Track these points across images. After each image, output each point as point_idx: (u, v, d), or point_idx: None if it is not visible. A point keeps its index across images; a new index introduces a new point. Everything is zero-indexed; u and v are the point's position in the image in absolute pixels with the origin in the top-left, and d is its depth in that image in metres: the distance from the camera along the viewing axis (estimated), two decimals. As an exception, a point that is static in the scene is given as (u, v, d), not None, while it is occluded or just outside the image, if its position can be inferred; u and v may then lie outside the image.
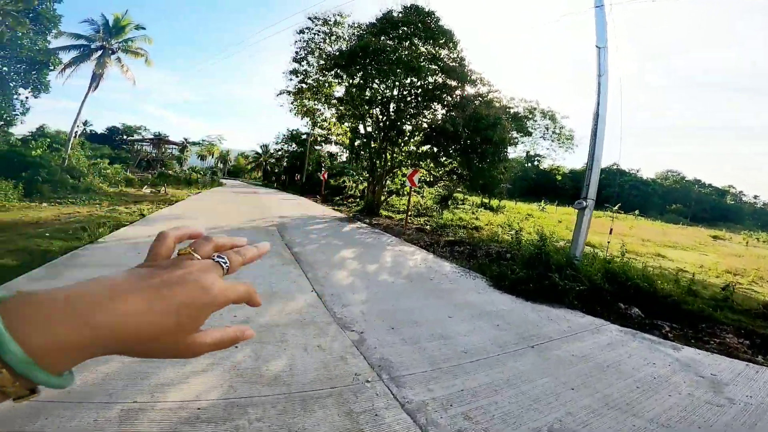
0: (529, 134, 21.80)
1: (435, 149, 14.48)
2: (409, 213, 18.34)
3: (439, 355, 3.66)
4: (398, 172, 16.92)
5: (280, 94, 20.18)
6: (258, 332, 3.67)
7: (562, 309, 5.58)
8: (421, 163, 15.63)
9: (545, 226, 17.94)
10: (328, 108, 21.35)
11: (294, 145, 52.26)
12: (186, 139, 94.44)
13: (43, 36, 25.95)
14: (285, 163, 52.52)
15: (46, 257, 5.96)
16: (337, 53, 15.35)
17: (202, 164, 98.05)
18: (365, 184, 30.72)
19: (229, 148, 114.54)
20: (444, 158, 14.11)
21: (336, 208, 19.53)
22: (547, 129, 26.75)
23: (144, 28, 26.56)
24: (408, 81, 15.50)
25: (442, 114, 14.93)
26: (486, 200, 32.77)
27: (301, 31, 17.72)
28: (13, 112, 35.43)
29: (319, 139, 53.94)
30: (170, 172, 57.66)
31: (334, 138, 23.84)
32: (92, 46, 24.91)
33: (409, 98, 15.67)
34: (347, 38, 16.91)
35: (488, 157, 12.00)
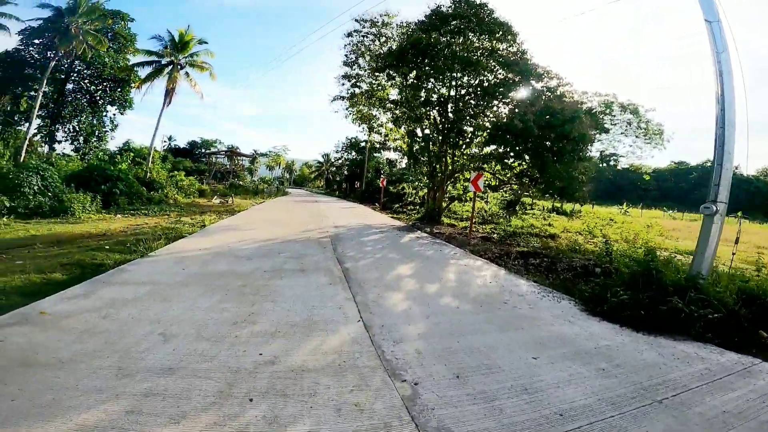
0: (606, 131, 19.36)
1: (501, 150, 13.11)
2: (474, 220, 17.04)
3: (524, 420, 2.60)
4: (459, 176, 15.74)
5: (334, 100, 20.01)
6: (282, 380, 2.89)
7: (689, 342, 4.18)
8: (485, 166, 14.32)
9: (634, 233, 15.60)
10: (384, 112, 20.80)
11: (353, 153, 52.88)
12: (255, 151, 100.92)
13: (123, 54, 28.63)
14: (345, 171, 53.26)
15: (98, 271, 5.83)
16: (387, 52, 14.66)
17: (271, 174, 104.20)
18: (425, 190, 29.76)
19: (294, 159, 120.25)
20: (512, 160, 12.70)
21: (395, 215, 18.78)
22: (629, 124, 23.77)
23: (206, 42, 28.20)
24: (465, 78, 14.35)
25: (507, 111, 13.53)
26: (557, 204, 30.22)
27: (349, 34, 17.38)
28: (104, 129, 39.96)
29: (377, 146, 54.24)
30: (241, 182, 61.44)
31: (391, 144, 23.25)
32: (162, 62, 26.86)
33: (467, 97, 14.48)
34: (396, 38, 16.20)
35: (565, 156, 10.44)
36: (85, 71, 36.64)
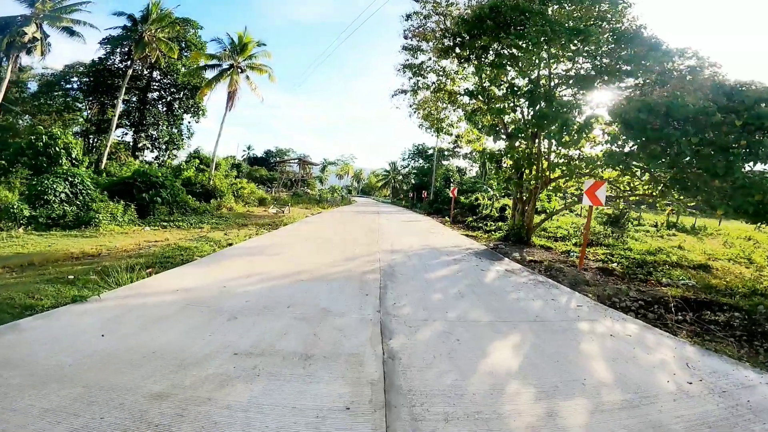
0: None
1: (628, 147, 9.09)
2: (579, 242, 12.99)
3: None
4: (556, 184, 11.83)
5: (395, 95, 17.20)
6: None
7: None
8: (600, 170, 10.32)
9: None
10: (454, 109, 17.51)
11: (420, 161, 49.90)
12: (325, 160, 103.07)
13: (194, 61, 28.75)
14: (412, 180, 50.40)
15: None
16: (459, 20, 11.37)
17: (340, 183, 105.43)
18: (504, 200, 25.56)
19: (361, 168, 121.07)
20: (648, 160, 8.62)
21: (469, 232, 15.27)
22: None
23: (264, 45, 27.15)
24: (566, 53, 10.56)
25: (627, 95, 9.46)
26: (672, 219, 24.20)
27: (408, 17, 14.41)
28: (181, 137, 41.51)
29: (446, 152, 50.74)
30: (308, 191, 61.59)
31: (464, 146, 19.81)
32: (223, 66, 26.23)
33: (570, 79, 10.62)
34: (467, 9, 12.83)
35: (760, 155, 6.29)
36: (164, 80, 38.49)
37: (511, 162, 12.25)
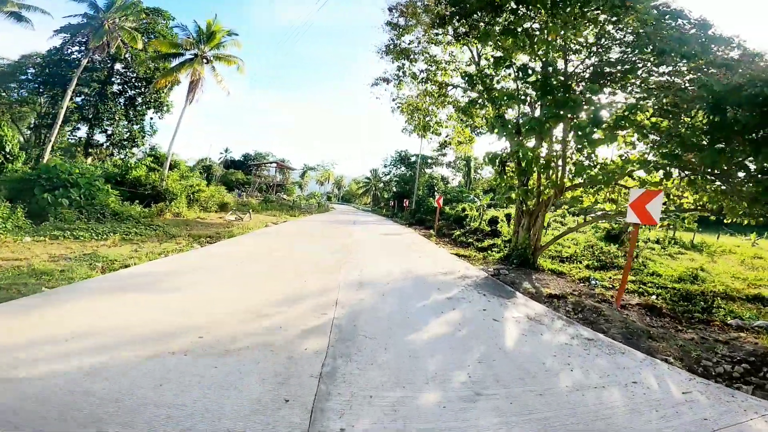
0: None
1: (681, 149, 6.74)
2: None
3: None
4: (574, 194, 9.38)
5: (376, 84, 14.63)
6: None
7: None
8: (633, 175, 7.91)
9: None
10: (444, 104, 15.08)
11: (402, 168, 47.51)
12: (306, 165, 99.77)
13: (156, 50, 25.55)
14: (393, 188, 47.87)
15: None
16: None
17: (320, 189, 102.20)
18: (494, 212, 23.19)
19: (342, 174, 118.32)
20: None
21: (460, 251, 12.68)
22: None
23: (236, 34, 24.27)
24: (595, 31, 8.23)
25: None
26: (670, 235, 22.30)
27: None
28: (143, 134, 37.73)
29: (429, 160, 48.49)
30: (285, 197, 58.20)
31: (451, 150, 17.38)
32: (186, 55, 23.22)
33: (601, 63, 8.24)
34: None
35: None
36: (128, 73, 34.89)
37: (513, 165, 9.71)
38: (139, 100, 35.56)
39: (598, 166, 7.90)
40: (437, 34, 12.12)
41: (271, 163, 69.80)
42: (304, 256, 8.51)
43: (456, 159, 49.71)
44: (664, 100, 7.09)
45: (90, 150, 34.21)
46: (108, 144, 35.07)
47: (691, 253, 18.15)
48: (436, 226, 20.25)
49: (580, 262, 11.77)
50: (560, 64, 8.83)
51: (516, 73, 8.85)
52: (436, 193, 33.55)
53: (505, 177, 9.48)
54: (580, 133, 7.39)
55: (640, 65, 7.53)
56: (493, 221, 20.43)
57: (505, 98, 8.25)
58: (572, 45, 8.48)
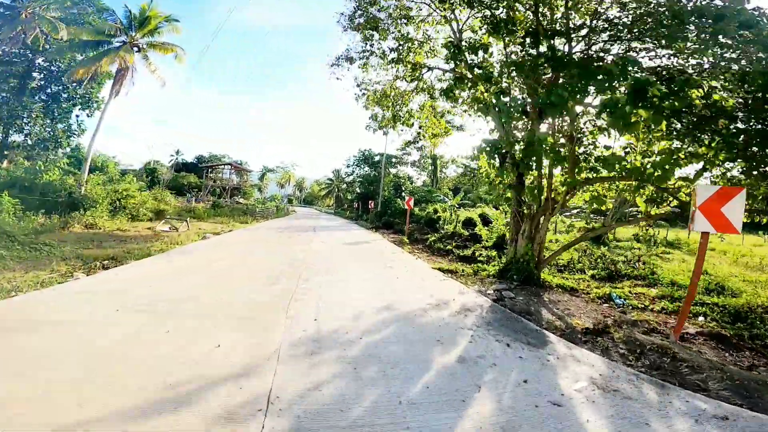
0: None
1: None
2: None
3: None
4: (594, 190, 7.50)
5: (337, 64, 12.29)
6: None
7: None
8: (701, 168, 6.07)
9: None
10: (416, 91, 13.00)
11: (366, 168, 45.16)
12: (265, 167, 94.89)
13: (76, 38, 21.64)
14: (357, 189, 45.41)
15: None
16: None
17: (281, 192, 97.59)
18: (467, 213, 21.35)
19: (304, 176, 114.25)
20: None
21: (443, 264, 10.53)
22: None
23: (177, 21, 20.96)
24: None
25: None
26: (643, 233, 21.54)
27: None
28: (67, 134, 32.85)
29: (394, 160, 46.43)
30: (241, 200, 54.04)
31: (427, 142, 15.29)
32: (114, 42, 19.69)
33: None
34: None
35: None
36: (52, 67, 30.12)
37: (516, 157, 7.63)
38: (65, 96, 30.81)
39: (630, 159, 5.95)
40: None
41: (225, 164, 65.16)
42: (233, 287, 5.93)
43: (421, 158, 48.09)
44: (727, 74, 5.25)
45: (5, 152, 29.08)
46: (25, 145, 30.02)
47: (678, 253, 17.16)
48: (407, 230, 18.09)
49: (583, 272, 10.00)
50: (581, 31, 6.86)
51: (522, 41, 6.75)
52: (404, 193, 31.50)
53: (505, 172, 7.37)
54: (611, 113, 5.36)
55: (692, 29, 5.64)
56: (468, 223, 18.58)
57: (513, 69, 6.09)
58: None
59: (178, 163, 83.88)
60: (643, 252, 14.53)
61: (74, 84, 28.93)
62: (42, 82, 28.96)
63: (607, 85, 5.42)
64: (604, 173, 6.33)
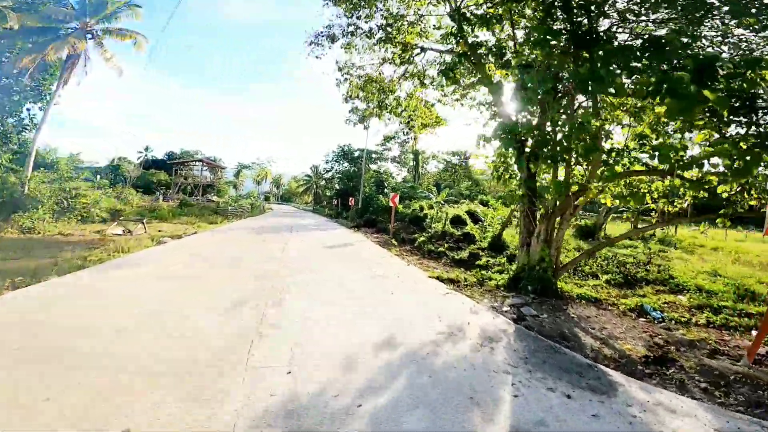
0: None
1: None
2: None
3: None
4: (635, 182, 6.37)
5: (315, 42, 10.83)
6: None
7: None
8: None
9: None
10: (405, 76, 11.73)
11: (345, 164, 43.53)
12: (240, 163, 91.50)
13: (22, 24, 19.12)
14: (336, 185, 43.74)
15: None
16: None
17: (258, 189, 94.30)
18: (453, 209, 20.18)
19: (281, 173, 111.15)
20: None
21: (435, 266, 9.26)
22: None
23: (139, 6, 18.88)
24: None
25: None
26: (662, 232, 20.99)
27: None
28: (18, 128, 29.75)
29: (374, 155, 44.93)
30: (213, 198, 51.33)
31: (409, 136, 13.99)
32: (67, 28, 17.48)
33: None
34: None
35: None
36: (2, 59, 27.06)
37: (535, 143, 6.37)
38: (16, 89, 27.74)
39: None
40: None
41: (196, 161, 62.12)
42: (174, 321, 4.41)
43: (401, 153, 46.78)
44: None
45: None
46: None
47: (674, 251, 16.54)
48: (392, 228, 16.76)
49: (596, 276, 8.93)
50: None
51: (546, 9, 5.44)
52: (386, 189, 30.13)
53: (524, 162, 6.11)
54: (670, 94, 4.15)
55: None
56: (457, 221, 17.43)
57: (542, 36, 4.76)
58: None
59: (148, 160, 79.82)
60: (643, 251, 13.71)
61: (19, 74, 26.14)
62: None
63: (663, 61, 4.23)
64: (641, 167, 5.14)
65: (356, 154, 41.92)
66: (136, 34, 19.46)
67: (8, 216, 13.68)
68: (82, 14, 18.75)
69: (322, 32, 10.68)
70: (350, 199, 30.78)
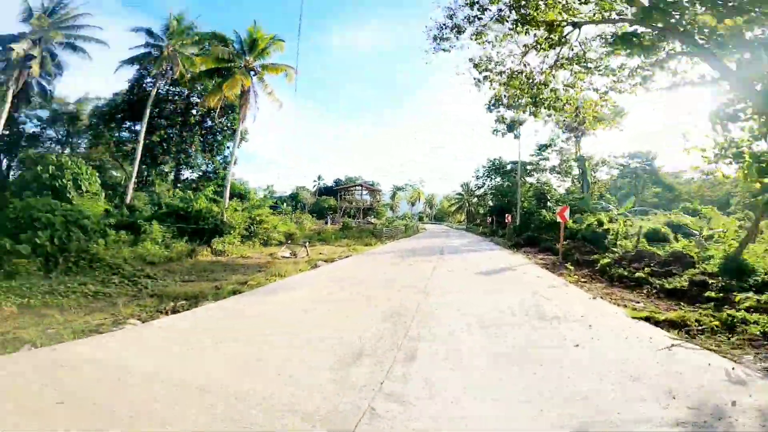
0: None
1: None
2: None
3: None
4: None
5: (441, 38, 9.55)
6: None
7: None
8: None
9: None
10: (558, 65, 9.42)
11: (498, 179, 40.60)
12: (395, 186, 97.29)
13: (203, 67, 23.61)
14: (490, 202, 41.17)
15: None
16: None
17: (411, 209, 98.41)
18: (656, 219, 15.51)
19: (433, 193, 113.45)
20: None
21: (623, 293, 6.59)
22: None
23: (282, 40, 21.30)
24: None
25: None
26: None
27: None
28: (223, 165, 36.70)
29: (528, 167, 40.53)
30: (372, 221, 55.07)
31: (589, 128, 11.27)
32: (231, 67, 20.83)
33: None
34: None
35: None
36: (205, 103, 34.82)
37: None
38: (219, 129, 35.06)
39: None
40: None
41: (355, 186, 68.29)
42: (270, 371, 3.54)
43: (561, 162, 40.91)
44: None
45: (178, 186, 34.52)
46: (192, 179, 35.07)
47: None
48: (561, 248, 13.81)
49: None
50: None
51: None
52: (548, 203, 26.34)
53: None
54: None
55: None
56: (654, 237, 13.29)
57: None
58: None
59: (320, 188, 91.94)
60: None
61: (223, 119, 32.76)
62: (198, 118, 33.05)
63: None
64: None
65: (508, 167, 38.73)
66: (286, 67, 21.98)
67: (210, 240, 16.61)
68: (242, 53, 21.96)
69: (445, 24, 9.38)
70: (507, 216, 28.08)
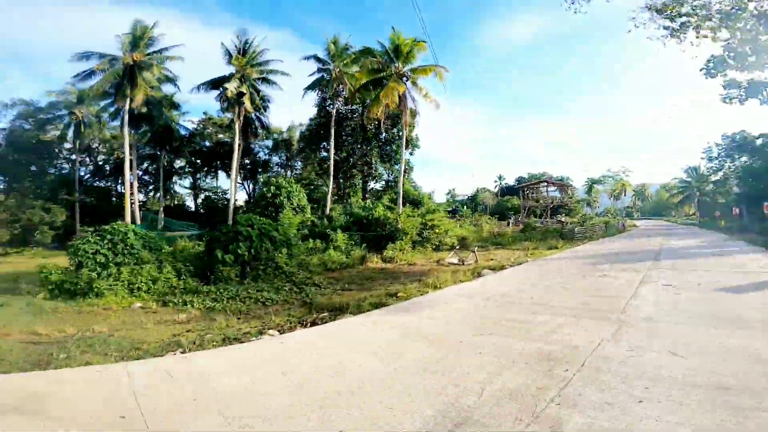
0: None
1: None
2: None
3: None
4: None
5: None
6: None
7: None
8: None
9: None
10: None
11: (744, 157, 29.42)
12: (589, 179, 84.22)
13: (359, 82, 24.37)
14: (735, 188, 30.25)
15: None
16: None
17: (615, 204, 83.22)
18: None
19: (644, 183, 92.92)
20: None
21: None
22: None
23: (424, 41, 20.59)
24: None
25: None
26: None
27: None
28: (398, 174, 38.41)
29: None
30: (563, 219, 48.61)
31: None
32: (382, 76, 21.23)
33: None
34: None
35: None
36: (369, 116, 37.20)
37: None
38: (392, 140, 37.11)
39: None
40: None
41: (540, 182, 61.90)
42: None
43: None
44: None
45: (366, 195, 38.21)
46: (380, 187, 38.11)
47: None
48: None
49: None
50: None
51: None
52: None
53: None
54: None
55: None
56: None
57: None
58: None
59: (502, 188, 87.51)
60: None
61: (393, 130, 34.48)
62: (373, 131, 35.63)
63: None
64: None
65: (758, 141, 27.48)
66: (435, 67, 20.99)
67: (385, 246, 17.35)
68: (390, 61, 22.03)
69: None
70: (765, 205, 19.75)
